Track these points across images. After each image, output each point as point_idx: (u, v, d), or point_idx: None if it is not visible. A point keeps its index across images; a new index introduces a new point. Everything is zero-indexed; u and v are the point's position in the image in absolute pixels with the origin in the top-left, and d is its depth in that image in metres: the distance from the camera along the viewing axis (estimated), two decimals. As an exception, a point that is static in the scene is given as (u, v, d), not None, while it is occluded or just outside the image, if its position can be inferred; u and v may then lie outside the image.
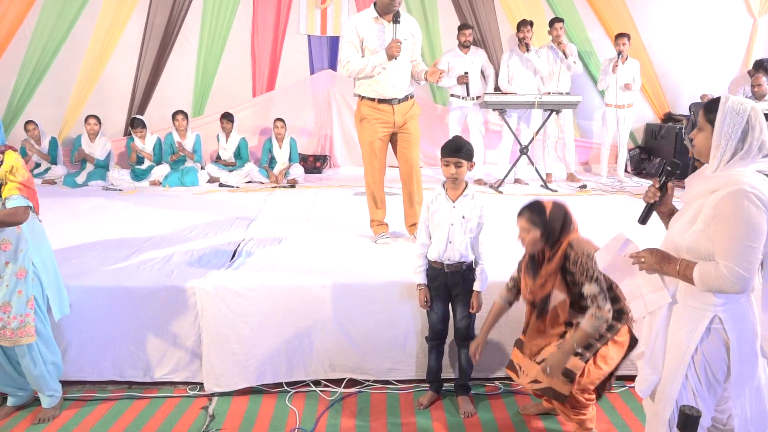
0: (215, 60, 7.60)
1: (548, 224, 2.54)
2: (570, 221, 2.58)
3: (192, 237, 4.20)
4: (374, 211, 4.16)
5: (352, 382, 3.24)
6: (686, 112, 7.33)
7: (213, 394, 3.15)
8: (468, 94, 6.58)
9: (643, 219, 2.09)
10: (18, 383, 2.95)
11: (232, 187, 6.52)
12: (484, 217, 2.89)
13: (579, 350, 2.51)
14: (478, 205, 2.88)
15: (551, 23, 6.73)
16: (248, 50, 7.70)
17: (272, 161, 6.99)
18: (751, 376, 1.89)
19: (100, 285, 3.18)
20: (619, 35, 6.73)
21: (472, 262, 2.91)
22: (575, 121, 7.51)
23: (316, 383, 3.23)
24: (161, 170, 6.69)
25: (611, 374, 2.60)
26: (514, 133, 6.57)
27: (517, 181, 6.77)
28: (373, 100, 3.94)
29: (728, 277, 1.76)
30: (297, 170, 6.86)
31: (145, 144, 6.80)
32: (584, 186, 6.58)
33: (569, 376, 2.49)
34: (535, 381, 2.59)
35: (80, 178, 6.60)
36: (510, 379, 3.26)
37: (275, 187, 6.45)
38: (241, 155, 7.03)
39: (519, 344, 2.77)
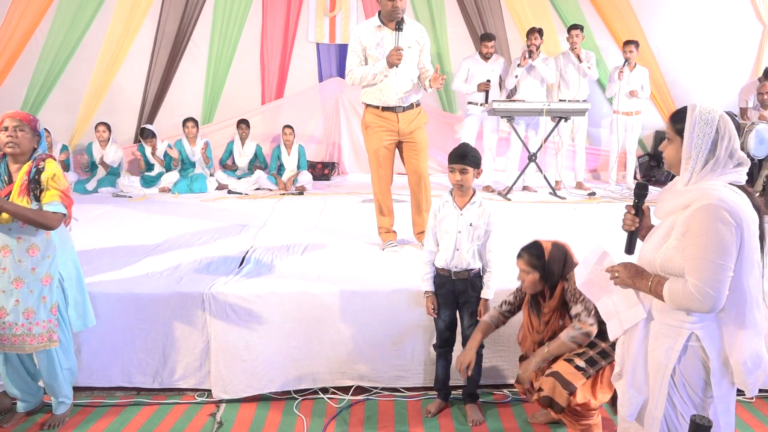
0: (225, 68, 7.64)
1: (547, 266, 2.58)
2: (570, 262, 2.60)
3: (201, 244, 4.22)
4: (381, 219, 4.16)
5: (360, 390, 3.24)
6: (695, 120, 7.27)
7: (221, 401, 3.15)
8: (486, 101, 6.55)
9: (629, 248, 2.03)
10: (30, 388, 2.97)
11: (241, 194, 6.54)
12: (491, 224, 2.89)
13: (582, 365, 2.52)
14: (486, 213, 2.88)
15: (568, 30, 6.75)
16: (257, 58, 7.74)
17: (281, 168, 7.01)
18: (732, 392, 1.86)
19: (109, 291, 3.20)
20: (627, 42, 6.71)
21: (479, 269, 2.91)
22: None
23: (324, 390, 3.23)
24: (170, 177, 6.72)
25: None
26: (522, 141, 6.56)
27: (525, 188, 6.75)
28: (377, 107, 3.95)
29: (696, 295, 1.71)
30: (305, 177, 6.87)
31: (156, 151, 6.85)
32: (593, 193, 6.55)
33: (568, 387, 2.49)
34: (540, 390, 2.60)
35: (90, 185, 6.65)
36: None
37: (284, 194, 6.47)
38: (258, 161, 7.09)
39: (522, 359, 2.84)
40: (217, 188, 6.77)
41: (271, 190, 6.76)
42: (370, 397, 3.19)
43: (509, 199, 6.18)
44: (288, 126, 6.95)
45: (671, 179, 1.98)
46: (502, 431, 2.89)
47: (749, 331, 1.77)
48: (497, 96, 6.73)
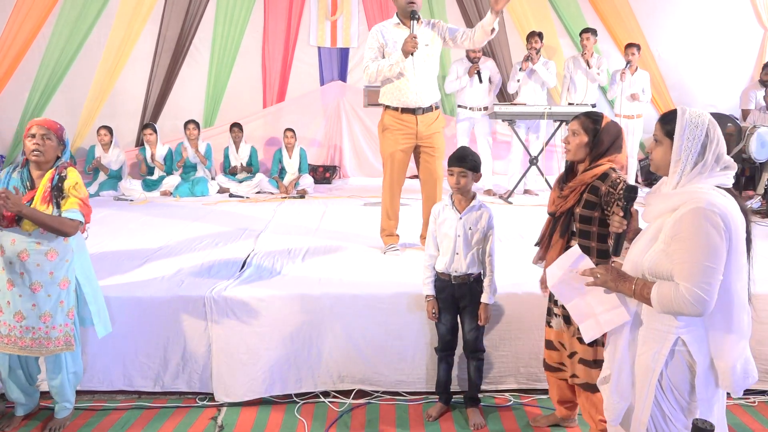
0: (226, 71, 7.67)
1: (599, 134, 2.46)
2: (620, 144, 2.49)
3: (202, 247, 4.22)
4: (386, 222, 4.13)
5: (361, 394, 3.23)
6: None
7: (222, 405, 3.15)
8: (480, 81, 6.52)
9: (615, 250, 2.01)
10: (27, 391, 2.97)
11: (242, 197, 6.55)
12: (491, 228, 2.88)
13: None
14: (486, 217, 2.87)
15: (580, 33, 6.77)
16: (259, 62, 7.77)
17: (282, 172, 7.02)
18: (718, 393, 1.85)
19: (110, 295, 3.20)
20: (629, 45, 6.72)
21: (479, 273, 2.90)
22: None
23: (325, 394, 3.23)
24: (172, 180, 6.73)
25: None
26: (523, 144, 6.56)
27: (527, 191, 6.75)
28: (396, 109, 3.92)
29: (688, 298, 1.70)
30: (307, 181, 6.88)
31: (156, 153, 6.85)
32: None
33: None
34: (574, 376, 2.57)
35: (92, 188, 6.65)
36: (520, 391, 3.25)
37: (285, 198, 6.47)
38: (252, 164, 7.08)
39: (548, 345, 2.72)
40: (219, 192, 6.78)
41: (272, 193, 6.76)
42: (371, 401, 3.19)
43: (510, 203, 6.18)
44: (289, 129, 6.97)
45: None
46: (503, 435, 2.89)
47: (736, 335, 1.77)
48: (491, 96, 6.74)
